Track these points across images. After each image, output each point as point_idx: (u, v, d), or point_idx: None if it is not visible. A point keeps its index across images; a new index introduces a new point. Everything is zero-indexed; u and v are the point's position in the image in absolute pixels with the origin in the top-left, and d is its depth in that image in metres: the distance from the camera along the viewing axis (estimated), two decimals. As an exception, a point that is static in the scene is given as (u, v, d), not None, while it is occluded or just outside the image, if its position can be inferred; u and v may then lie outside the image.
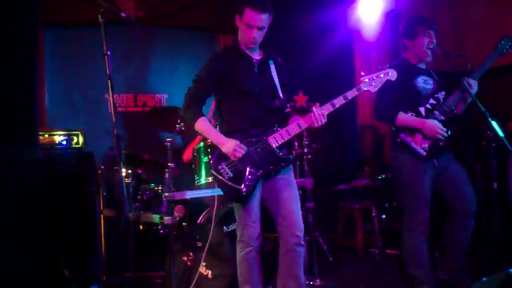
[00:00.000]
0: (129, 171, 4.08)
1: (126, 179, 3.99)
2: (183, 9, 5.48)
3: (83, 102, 5.20)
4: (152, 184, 4.22)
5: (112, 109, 2.23)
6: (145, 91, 5.49)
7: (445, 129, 3.46)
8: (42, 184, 2.75)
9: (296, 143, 4.57)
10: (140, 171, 4.29)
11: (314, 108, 2.98)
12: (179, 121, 3.94)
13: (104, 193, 4.17)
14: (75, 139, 3.92)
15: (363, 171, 5.94)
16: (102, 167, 4.24)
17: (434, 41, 3.57)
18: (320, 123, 2.97)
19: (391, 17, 5.93)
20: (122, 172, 2.21)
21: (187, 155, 4.55)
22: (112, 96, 2.27)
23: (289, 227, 3.05)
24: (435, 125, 3.45)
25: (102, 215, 4.07)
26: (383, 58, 5.98)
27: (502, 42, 3.52)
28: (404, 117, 3.50)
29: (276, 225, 3.12)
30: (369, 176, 5.65)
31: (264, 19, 3.00)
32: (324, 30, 6.06)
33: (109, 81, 2.24)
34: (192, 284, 3.38)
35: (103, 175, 4.19)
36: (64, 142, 3.91)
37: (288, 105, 3.25)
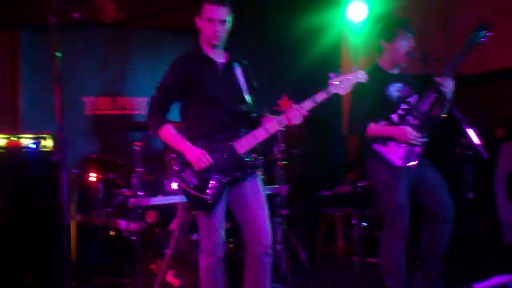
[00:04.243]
0: (100, 176, 3.98)
1: (96, 184, 3.89)
2: (164, 11, 5.38)
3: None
4: (124, 189, 4.12)
5: (59, 112, 2.14)
6: (124, 94, 5.37)
7: (418, 134, 3.36)
8: None
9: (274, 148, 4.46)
10: (111, 176, 4.19)
11: (293, 105, 2.91)
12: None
13: (76, 198, 4.08)
14: (44, 142, 3.83)
15: (347, 177, 5.84)
16: (74, 171, 4.14)
17: (413, 44, 3.47)
18: (297, 121, 2.90)
19: (376, 20, 5.84)
20: (64, 178, 2.12)
21: None
22: (59, 99, 2.18)
23: (255, 235, 2.95)
24: (407, 131, 3.35)
25: (72, 221, 3.99)
26: (371, 62, 5.88)
27: (476, 31, 3.27)
28: (375, 128, 3.41)
29: (242, 234, 3.02)
30: (352, 182, 5.55)
31: (223, 12, 2.92)
32: (310, 33, 5.97)
33: (56, 83, 2.15)
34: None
35: (76, 179, 4.10)
36: (33, 146, 3.83)
37: (267, 108, 3.15)
